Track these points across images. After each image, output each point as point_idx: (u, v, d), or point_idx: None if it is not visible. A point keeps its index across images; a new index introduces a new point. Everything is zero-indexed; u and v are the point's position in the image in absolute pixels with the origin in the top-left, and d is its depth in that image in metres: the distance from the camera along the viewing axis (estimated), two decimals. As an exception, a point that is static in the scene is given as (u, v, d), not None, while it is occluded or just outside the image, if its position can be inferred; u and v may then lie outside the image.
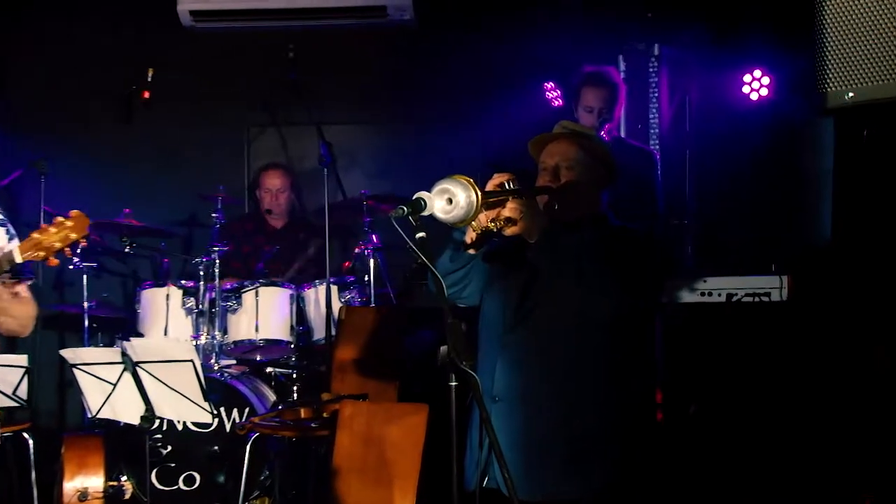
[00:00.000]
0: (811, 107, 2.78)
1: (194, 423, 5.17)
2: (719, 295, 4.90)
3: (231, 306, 5.56)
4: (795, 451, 4.59)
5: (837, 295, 4.69)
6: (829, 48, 2.71)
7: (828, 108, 2.74)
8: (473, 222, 2.84)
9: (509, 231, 2.93)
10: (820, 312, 4.71)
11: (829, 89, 2.70)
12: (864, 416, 4.39)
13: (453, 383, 2.59)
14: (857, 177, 4.65)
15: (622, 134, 5.82)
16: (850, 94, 2.67)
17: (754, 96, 5.66)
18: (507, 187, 2.95)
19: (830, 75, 2.68)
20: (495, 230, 2.93)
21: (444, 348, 2.58)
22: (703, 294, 4.93)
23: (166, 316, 5.54)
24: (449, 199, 2.68)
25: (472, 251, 3.06)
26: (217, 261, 5.45)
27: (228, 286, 5.59)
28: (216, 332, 5.48)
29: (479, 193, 2.68)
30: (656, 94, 5.99)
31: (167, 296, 5.56)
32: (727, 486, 4.61)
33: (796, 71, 5.20)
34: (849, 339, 4.53)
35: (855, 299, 4.57)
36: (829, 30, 2.71)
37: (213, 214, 5.74)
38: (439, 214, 2.68)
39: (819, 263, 5.09)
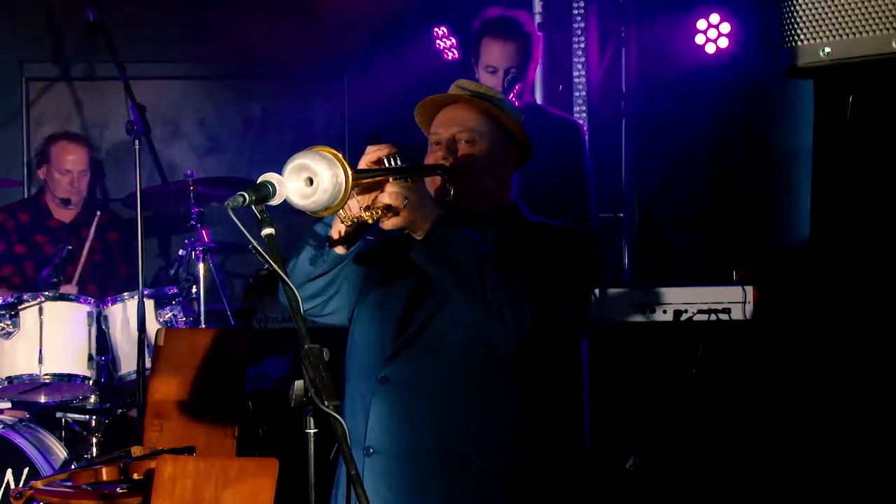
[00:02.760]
0: (777, 66, 2.82)
1: (-49, 492, 5.06)
2: (664, 312, 5.02)
3: (4, 329, 5.48)
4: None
5: (816, 312, 4.84)
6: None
7: (798, 68, 2.78)
8: (342, 211, 2.83)
9: (389, 223, 2.92)
10: (793, 333, 4.86)
11: (799, 42, 2.75)
12: (849, 462, 4.55)
13: (312, 430, 2.59)
14: (843, 157, 4.78)
15: (538, 99, 5.92)
16: (827, 50, 2.72)
17: (711, 48, 5.80)
18: (386, 165, 2.96)
19: (801, 24, 2.73)
20: (371, 222, 2.92)
21: (299, 383, 2.57)
22: (643, 311, 5.04)
23: None
24: (308, 180, 2.67)
25: (339, 250, 3.05)
26: (-21, 266, 5.38)
27: (-1, 301, 5.51)
28: (-19, 366, 5.37)
29: (350, 172, 2.68)
30: (583, 47, 6.09)
31: None
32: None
33: (765, 17, 5.35)
34: (829, 366, 4.68)
35: (838, 317, 4.72)
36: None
37: (-28, 200, 5.66)
38: (296, 200, 2.67)
39: (793, 271, 5.25)
